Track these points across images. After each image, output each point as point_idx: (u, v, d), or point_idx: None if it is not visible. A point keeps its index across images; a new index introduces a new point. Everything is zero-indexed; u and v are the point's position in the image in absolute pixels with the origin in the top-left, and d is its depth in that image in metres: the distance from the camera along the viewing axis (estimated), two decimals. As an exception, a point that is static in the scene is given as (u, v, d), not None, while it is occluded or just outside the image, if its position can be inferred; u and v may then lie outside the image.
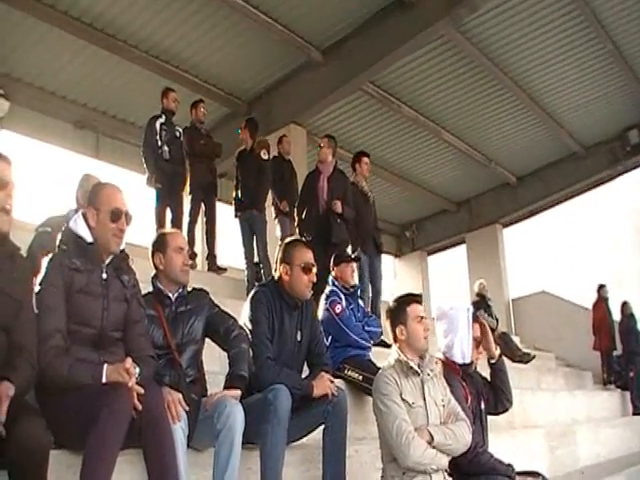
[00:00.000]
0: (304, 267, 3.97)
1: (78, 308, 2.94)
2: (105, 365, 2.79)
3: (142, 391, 2.74)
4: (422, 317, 3.65)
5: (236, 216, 8.63)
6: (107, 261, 3.10)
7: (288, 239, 4.25)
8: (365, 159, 8.31)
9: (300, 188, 8.28)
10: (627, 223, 23.15)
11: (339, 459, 3.64)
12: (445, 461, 3.43)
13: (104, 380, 2.75)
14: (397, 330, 3.63)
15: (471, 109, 12.78)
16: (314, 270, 4.02)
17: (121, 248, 3.16)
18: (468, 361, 4.13)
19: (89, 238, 3.06)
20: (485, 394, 4.24)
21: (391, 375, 3.50)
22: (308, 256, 4.04)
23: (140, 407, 2.68)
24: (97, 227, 3.08)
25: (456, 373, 4.05)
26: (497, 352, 4.36)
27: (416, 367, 3.55)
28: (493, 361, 4.33)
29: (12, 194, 2.75)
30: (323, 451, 3.64)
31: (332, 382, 3.77)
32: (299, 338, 3.98)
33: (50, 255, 3.05)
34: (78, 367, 2.80)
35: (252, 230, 8.48)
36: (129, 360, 2.83)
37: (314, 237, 7.50)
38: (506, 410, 4.37)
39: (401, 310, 3.66)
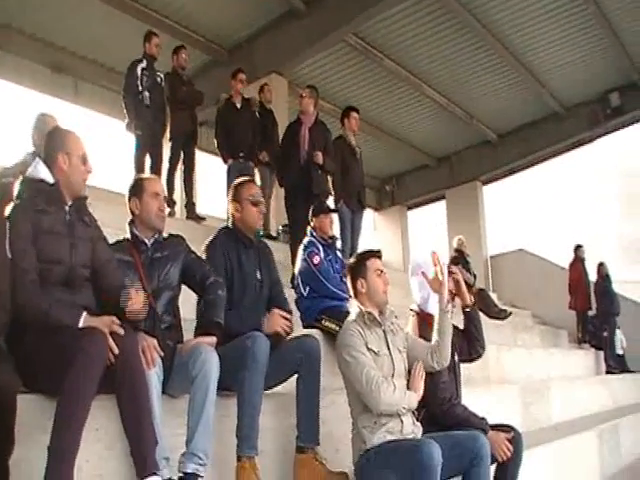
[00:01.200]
0: (252, 201, 4.03)
1: (47, 248, 2.94)
2: (85, 312, 2.81)
3: (121, 331, 2.77)
4: (381, 271, 3.68)
5: (228, 164, 8.59)
6: (69, 203, 3.11)
7: (236, 181, 4.27)
8: (354, 114, 8.23)
9: (281, 138, 8.22)
10: (607, 185, 23.39)
11: (313, 407, 3.67)
12: (415, 401, 3.46)
13: (81, 325, 2.76)
14: (358, 284, 3.65)
15: (454, 65, 12.74)
16: (262, 204, 4.10)
17: None
18: None
19: (51, 180, 3.06)
20: (458, 346, 4.26)
21: (355, 327, 3.52)
22: (255, 191, 4.12)
23: (117, 351, 2.69)
24: (69, 171, 3.09)
25: (430, 323, 4.00)
26: (470, 300, 4.37)
27: (378, 317, 3.59)
28: (468, 309, 4.34)
29: None
30: (297, 399, 3.66)
31: (288, 320, 3.80)
32: (259, 277, 4.00)
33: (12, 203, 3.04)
34: (58, 307, 2.82)
35: None
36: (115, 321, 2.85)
37: (295, 187, 7.50)
38: (479, 356, 4.37)
39: (361, 264, 3.68)
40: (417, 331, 4.07)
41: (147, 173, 7.70)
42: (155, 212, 3.54)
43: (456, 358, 4.17)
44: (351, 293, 3.76)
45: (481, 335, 4.36)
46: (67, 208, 3.09)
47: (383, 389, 3.32)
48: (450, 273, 4.23)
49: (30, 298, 2.79)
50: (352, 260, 3.79)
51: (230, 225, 4.11)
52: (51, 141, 3.19)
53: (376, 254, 3.76)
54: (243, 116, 8.73)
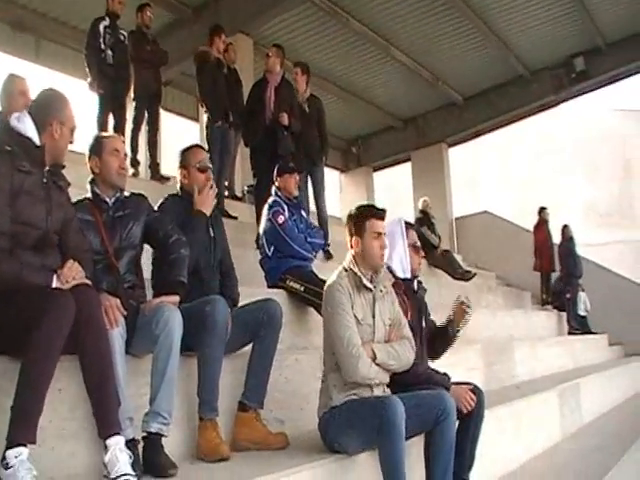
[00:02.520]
0: (200, 167, 4.03)
1: (25, 210, 2.89)
2: (55, 275, 2.80)
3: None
4: (380, 233, 3.61)
5: (210, 126, 8.44)
6: (48, 167, 3.07)
7: (185, 146, 4.24)
8: (298, 69, 8.16)
9: (247, 97, 8.11)
10: (572, 150, 23.62)
11: (264, 370, 3.66)
12: (387, 377, 3.50)
13: (54, 286, 2.76)
14: (354, 242, 3.60)
15: (421, 27, 12.71)
16: (210, 171, 4.11)
17: None
18: (409, 275, 4.12)
19: (37, 141, 3.02)
20: (427, 319, 4.26)
21: (346, 285, 3.47)
22: (203, 157, 4.11)
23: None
24: (59, 140, 3.07)
25: (398, 287, 4.02)
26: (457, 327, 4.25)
27: (369, 284, 3.54)
28: (452, 332, 4.23)
29: None
30: (250, 359, 3.66)
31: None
32: (211, 233, 4.02)
33: None
34: (29, 271, 2.79)
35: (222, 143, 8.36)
36: (74, 265, 2.86)
37: (260, 147, 7.46)
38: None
39: (360, 222, 3.61)
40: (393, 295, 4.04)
41: (110, 132, 7.61)
42: (116, 169, 3.50)
43: (423, 324, 4.18)
44: (347, 245, 3.69)
45: (442, 353, 4.36)
46: (45, 171, 3.05)
47: (362, 362, 3.33)
48: (409, 226, 4.26)
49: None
50: (353, 212, 3.70)
51: (179, 191, 4.11)
52: (47, 105, 3.13)
53: (376, 214, 3.66)
54: (225, 75, 8.61)
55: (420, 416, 3.40)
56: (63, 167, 3.20)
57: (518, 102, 15.17)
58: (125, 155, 3.66)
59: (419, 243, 4.33)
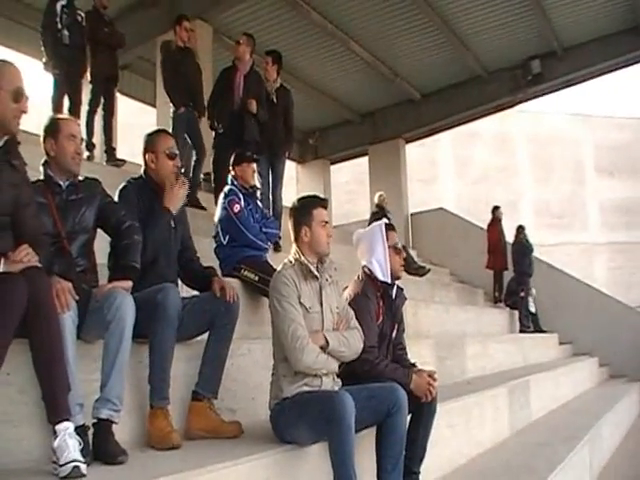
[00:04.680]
0: (169, 154, 3.98)
1: None
2: (3, 259, 2.72)
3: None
4: (326, 222, 3.65)
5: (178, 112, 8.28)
6: None
7: (151, 130, 4.21)
8: (269, 59, 8.14)
9: (215, 83, 8.11)
10: (525, 151, 24.02)
11: (219, 360, 3.66)
12: (335, 366, 3.50)
13: (1, 270, 2.69)
14: (302, 231, 3.59)
15: (381, 23, 12.76)
16: (178, 157, 4.07)
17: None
18: (389, 279, 4.13)
19: None
20: (399, 328, 4.26)
21: (291, 276, 3.49)
22: (172, 143, 4.07)
23: None
24: None
25: (376, 289, 4.08)
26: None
27: (315, 272, 3.56)
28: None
29: None
30: (205, 348, 3.65)
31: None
32: (172, 225, 3.97)
33: None
34: None
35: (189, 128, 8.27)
36: (25, 247, 2.79)
37: (226, 133, 7.48)
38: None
39: (306, 212, 3.62)
40: (361, 289, 4.08)
41: (65, 114, 7.48)
42: (71, 154, 3.45)
43: (393, 335, 4.19)
44: (292, 237, 3.69)
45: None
46: None
47: (307, 351, 3.33)
48: (389, 227, 4.28)
49: None
50: (297, 204, 3.71)
51: (143, 174, 4.05)
52: None
53: (322, 203, 3.70)
54: (189, 64, 8.49)
55: (372, 408, 3.43)
56: (18, 143, 3.09)
57: (475, 101, 15.34)
58: (81, 140, 3.61)
59: (400, 245, 4.36)
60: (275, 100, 8.03)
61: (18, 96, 2.95)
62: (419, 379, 3.90)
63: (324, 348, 3.43)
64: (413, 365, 4.20)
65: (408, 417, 3.67)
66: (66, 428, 2.61)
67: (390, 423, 3.47)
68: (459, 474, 4.95)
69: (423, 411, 3.93)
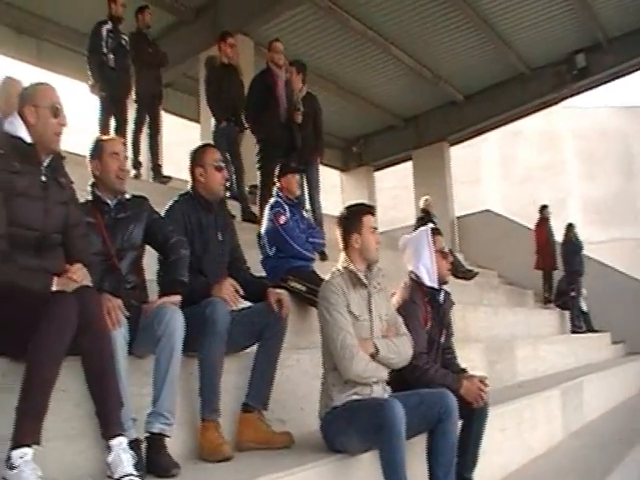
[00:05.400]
0: (217, 166, 4.02)
1: (19, 211, 2.88)
2: (55, 278, 2.79)
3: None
4: (375, 228, 3.67)
5: (219, 126, 8.37)
6: (45, 163, 3.04)
7: (196, 145, 4.26)
8: (292, 69, 8.04)
9: (253, 91, 7.96)
10: (572, 147, 23.60)
11: (268, 372, 3.68)
12: (385, 374, 3.50)
13: (54, 289, 2.75)
14: (352, 238, 3.60)
15: (421, 26, 12.68)
16: (225, 170, 4.11)
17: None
18: (436, 284, 4.14)
19: (28, 139, 2.99)
20: (448, 333, 4.26)
21: (339, 285, 3.50)
22: (218, 156, 4.11)
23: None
24: (38, 124, 3.00)
25: (423, 295, 4.08)
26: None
27: (364, 279, 3.56)
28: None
29: None
30: (255, 360, 3.68)
31: (237, 292, 3.67)
32: (221, 238, 4.01)
33: None
34: (26, 275, 2.80)
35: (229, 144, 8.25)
36: (80, 266, 2.87)
37: (275, 142, 7.45)
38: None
39: (356, 219, 3.63)
40: (409, 295, 4.08)
41: (111, 134, 7.64)
42: (115, 172, 3.50)
43: (442, 339, 4.18)
44: (340, 246, 3.71)
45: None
46: (43, 169, 3.03)
47: (357, 359, 3.34)
48: (435, 232, 4.27)
49: None
50: (345, 213, 3.73)
51: (190, 190, 4.09)
52: (20, 99, 3.11)
53: (370, 210, 3.73)
54: (233, 80, 8.53)
55: (422, 415, 3.43)
56: (62, 158, 3.16)
57: (519, 100, 15.12)
58: (125, 158, 3.67)
59: (447, 249, 4.35)
60: (302, 108, 7.93)
61: (56, 111, 3.05)
62: (470, 384, 3.88)
63: (374, 356, 3.43)
64: (464, 370, 4.19)
65: (459, 423, 3.66)
66: (120, 443, 2.65)
67: (441, 429, 3.46)
68: (513, 480, 4.91)
69: (474, 417, 3.92)
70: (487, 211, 16.24)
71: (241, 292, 3.68)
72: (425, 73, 14.43)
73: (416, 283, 4.15)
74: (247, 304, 3.91)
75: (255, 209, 7.87)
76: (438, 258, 4.19)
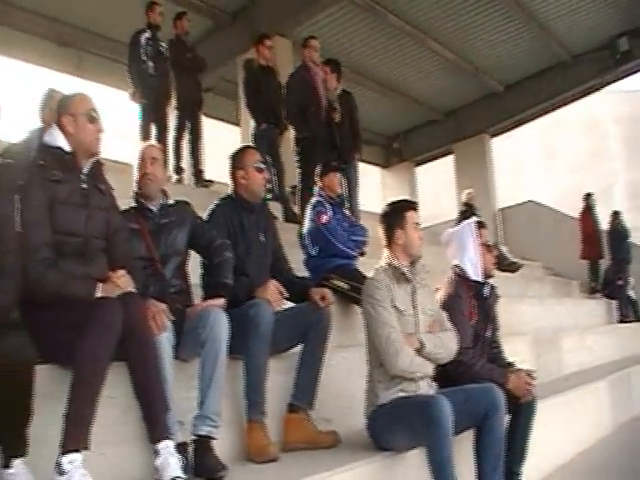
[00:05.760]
0: (257, 167, 4.05)
1: (62, 219, 2.95)
2: (100, 284, 2.84)
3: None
4: (418, 224, 3.66)
5: (259, 128, 8.43)
6: (85, 171, 3.10)
7: (237, 147, 4.30)
8: (327, 69, 7.88)
9: (292, 89, 7.91)
10: (613, 133, 23.10)
11: (314, 372, 3.70)
12: (431, 369, 3.49)
13: (98, 295, 2.80)
14: (395, 235, 3.60)
15: (458, 18, 12.54)
16: (266, 171, 4.14)
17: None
18: (480, 278, 4.11)
19: (67, 148, 3.06)
20: (494, 327, 4.22)
21: (383, 280, 3.50)
22: (259, 157, 4.14)
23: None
24: (76, 132, 3.08)
25: (468, 289, 4.06)
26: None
27: (408, 274, 3.56)
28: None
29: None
30: (300, 360, 3.70)
31: (281, 293, 3.67)
32: (263, 239, 4.04)
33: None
34: (71, 282, 2.85)
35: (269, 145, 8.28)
36: (123, 272, 2.93)
37: (318, 140, 7.43)
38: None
39: (399, 215, 3.64)
40: (454, 289, 4.06)
41: (153, 141, 7.74)
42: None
43: (487, 334, 4.15)
44: (383, 242, 3.71)
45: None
46: (83, 176, 3.09)
47: (402, 355, 3.34)
48: (480, 225, 4.25)
49: (41, 277, 2.81)
50: (388, 209, 3.73)
51: (231, 192, 4.13)
52: (57, 109, 3.19)
53: (413, 206, 3.73)
54: (271, 82, 8.57)
55: (469, 411, 3.40)
56: (101, 165, 3.22)
57: (561, 88, 14.84)
58: (164, 162, 3.75)
59: (491, 242, 4.32)
60: (338, 107, 7.85)
61: (92, 118, 3.13)
62: (517, 379, 3.85)
63: (419, 351, 3.42)
64: (510, 364, 4.15)
65: (507, 417, 3.63)
66: (167, 446, 2.71)
67: (488, 424, 3.43)
68: (561, 474, 4.86)
69: (522, 411, 3.89)
70: (530, 202, 16.00)
71: (285, 294, 3.69)
72: (464, 65, 14.29)
73: (461, 277, 4.12)
74: (290, 305, 3.93)
75: (296, 209, 7.88)
76: (483, 251, 4.16)
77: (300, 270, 5.41)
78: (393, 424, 3.37)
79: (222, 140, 11.23)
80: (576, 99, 15.40)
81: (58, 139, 3.08)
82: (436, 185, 20.13)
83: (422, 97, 15.91)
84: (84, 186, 3.08)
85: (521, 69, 14.90)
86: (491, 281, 4.26)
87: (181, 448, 2.89)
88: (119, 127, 9.74)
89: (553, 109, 15.80)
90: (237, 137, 11.85)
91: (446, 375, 3.69)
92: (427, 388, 3.50)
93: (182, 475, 2.65)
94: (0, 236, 2.72)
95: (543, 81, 14.91)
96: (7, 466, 2.47)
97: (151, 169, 3.60)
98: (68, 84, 11.57)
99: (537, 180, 23.10)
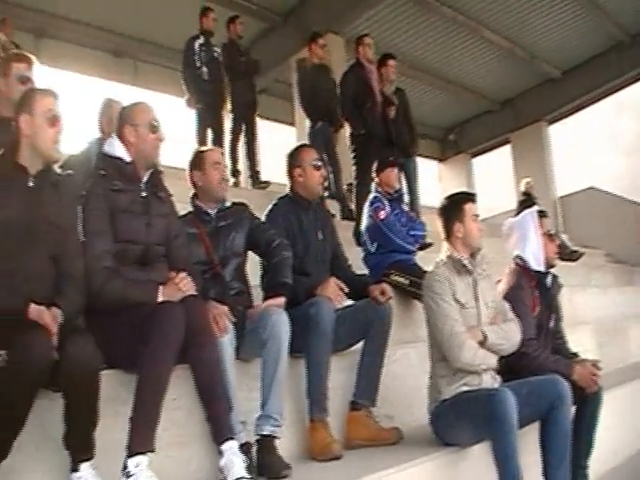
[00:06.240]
0: (315, 165, 4.06)
1: (123, 227, 3.01)
2: (161, 287, 2.90)
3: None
4: (477, 215, 3.64)
5: (314, 127, 8.48)
6: (145, 179, 3.16)
7: (294, 146, 4.32)
8: (391, 62, 7.85)
9: (346, 85, 7.76)
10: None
11: (375, 369, 3.70)
12: (495, 361, 3.47)
13: (160, 299, 2.86)
14: (455, 227, 3.58)
15: (511, 4, 12.32)
16: (323, 169, 4.14)
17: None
18: (542, 268, 4.06)
19: (127, 158, 3.12)
20: (557, 318, 4.18)
21: (444, 273, 3.49)
22: (316, 155, 4.16)
23: None
24: (137, 142, 3.14)
25: (530, 279, 4.02)
26: None
27: (469, 265, 3.54)
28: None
29: (62, 128, 2.84)
30: (361, 358, 3.70)
31: (342, 289, 3.66)
32: (321, 237, 4.05)
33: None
34: (133, 288, 2.91)
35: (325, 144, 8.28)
36: (182, 273, 2.98)
37: (373, 136, 7.37)
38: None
39: (458, 208, 3.62)
40: (515, 280, 4.02)
41: (209, 145, 7.83)
42: (217, 181, 3.64)
43: (550, 324, 4.10)
44: (442, 235, 3.69)
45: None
46: (142, 185, 3.15)
47: (466, 347, 3.33)
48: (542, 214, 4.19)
49: (104, 285, 2.88)
50: (446, 202, 3.71)
51: (289, 191, 4.15)
52: (118, 119, 3.26)
53: (471, 198, 3.71)
54: (325, 81, 8.60)
55: (533, 404, 3.36)
56: (160, 173, 3.28)
57: (619, 70, 14.37)
58: (225, 167, 3.79)
59: (554, 231, 4.26)
60: (396, 101, 7.77)
61: (154, 128, 3.18)
62: (582, 369, 3.79)
63: (482, 343, 3.40)
64: (575, 355, 4.10)
65: (572, 409, 3.57)
66: (231, 447, 2.74)
67: (554, 417, 3.38)
68: (629, 466, 4.75)
69: (588, 402, 3.83)
70: (591, 189, 15.58)
71: (345, 290, 3.69)
72: (519, 53, 14.02)
73: (522, 268, 4.08)
74: (350, 302, 3.92)
75: (353, 207, 7.88)
76: (545, 241, 4.12)
77: (358, 267, 5.43)
78: (457, 419, 3.36)
79: (277, 141, 11.27)
80: (636, 81, 14.96)
81: (118, 149, 3.15)
82: (492, 176, 19.86)
83: (477, 87, 15.69)
84: (144, 194, 3.14)
85: (579, 53, 14.51)
86: (553, 271, 4.21)
87: (245, 448, 2.92)
88: (176, 133, 9.86)
89: (613, 92, 15.26)
90: (292, 137, 11.90)
91: (510, 368, 3.66)
92: (491, 381, 3.47)
93: (246, 475, 2.68)
94: (66, 245, 2.82)
95: (601, 63, 14.49)
96: (75, 470, 2.53)
97: (223, 174, 3.68)
98: (125, 94, 11.77)
99: (599, 166, 22.58)
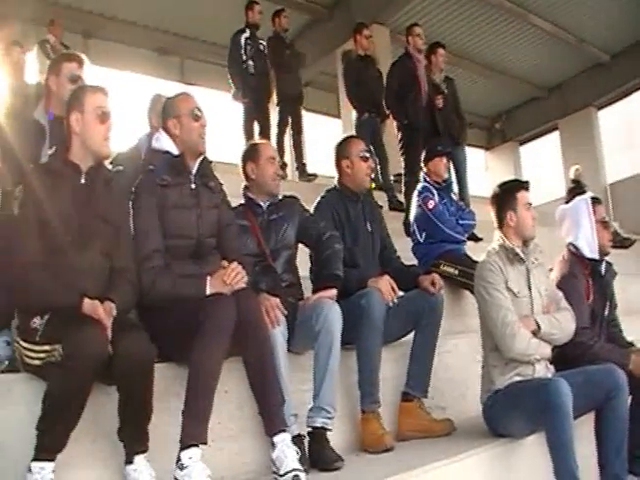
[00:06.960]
0: (362, 156, 4.06)
1: (174, 223, 3.04)
2: (208, 278, 2.91)
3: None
4: (530, 204, 3.60)
5: (361, 119, 8.48)
6: (194, 171, 3.18)
7: (342, 137, 4.30)
8: (441, 50, 7.75)
9: (393, 76, 7.72)
10: None
11: (426, 360, 3.68)
12: (548, 350, 3.44)
13: (208, 292, 2.87)
14: (507, 216, 3.56)
15: (558, -12, 12.14)
16: (370, 160, 4.13)
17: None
18: (596, 255, 3.99)
19: (175, 151, 3.15)
20: (611, 306, 4.09)
21: (496, 262, 3.46)
22: (364, 147, 4.15)
23: None
24: (182, 132, 3.16)
25: (583, 267, 3.96)
26: None
27: (522, 254, 3.52)
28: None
29: (112, 124, 2.87)
30: (412, 349, 3.69)
31: (394, 290, 3.60)
32: (370, 229, 4.05)
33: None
34: (181, 283, 2.92)
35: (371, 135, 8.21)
36: (234, 263, 2.98)
37: (418, 127, 7.32)
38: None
39: (511, 196, 3.59)
40: (568, 268, 3.96)
41: (257, 139, 7.87)
42: (271, 176, 3.65)
43: (605, 312, 4.03)
44: (495, 224, 3.67)
45: None
46: (192, 176, 3.18)
47: (519, 337, 3.30)
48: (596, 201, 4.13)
49: (153, 283, 2.91)
50: (498, 191, 3.68)
51: (336, 183, 4.15)
52: (162, 114, 3.30)
53: (524, 186, 3.67)
54: (370, 72, 8.58)
55: (589, 393, 3.32)
56: (210, 162, 3.29)
57: (672, 51, 14.07)
58: (279, 162, 3.82)
59: (608, 218, 4.20)
60: (445, 90, 7.69)
61: (196, 116, 3.20)
62: (638, 359, 3.72)
63: (536, 332, 3.38)
64: (630, 344, 4.02)
65: (629, 399, 3.51)
66: (283, 439, 2.75)
67: (610, 407, 3.34)
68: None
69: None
70: (641, 174, 15.32)
71: (398, 292, 3.64)
72: (566, 37, 13.78)
73: (575, 256, 4.01)
74: (401, 293, 3.88)
75: (401, 198, 7.85)
76: (599, 228, 4.04)
77: (407, 259, 5.41)
78: (510, 409, 3.34)
79: (323, 133, 11.28)
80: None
81: (165, 143, 3.19)
82: (541, 164, 19.58)
83: (524, 74, 15.50)
84: (193, 186, 3.16)
85: (627, 35, 14.16)
86: (607, 258, 4.14)
87: (297, 440, 2.93)
88: (224, 128, 9.95)
89: (665, 75, 14.97)
90: (338, 129, 11.90)
91: (564, 357, 3.61)
92: (544, 371, 3.44)
93: (299, 467, 2.69)
94: (117, 241, 2.86)
95: (652, 46, 14.16)
96: (130, 462, 2.58)
97: (277, 170, 3.72)
98: (173, 90, 11.90)
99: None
